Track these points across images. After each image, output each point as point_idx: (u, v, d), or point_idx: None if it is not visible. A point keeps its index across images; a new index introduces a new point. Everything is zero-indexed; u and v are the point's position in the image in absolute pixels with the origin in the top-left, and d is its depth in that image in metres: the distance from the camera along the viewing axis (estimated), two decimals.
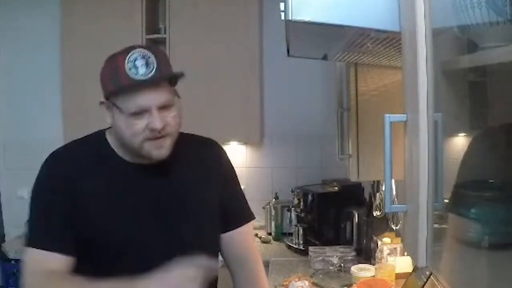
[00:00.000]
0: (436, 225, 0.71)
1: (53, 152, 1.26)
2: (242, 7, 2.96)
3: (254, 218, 1.43)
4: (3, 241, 3.22)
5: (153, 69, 1.11)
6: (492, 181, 0.80)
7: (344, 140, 2.09)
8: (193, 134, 1.38)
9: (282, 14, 0.88)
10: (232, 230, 1.37)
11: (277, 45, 2.56)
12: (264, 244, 2.90)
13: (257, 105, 3.03)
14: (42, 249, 1.15)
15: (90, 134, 1.29)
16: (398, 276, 1.98)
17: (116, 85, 1.12)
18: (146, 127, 1.13)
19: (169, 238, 1.23)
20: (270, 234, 3.05)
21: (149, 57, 1.12)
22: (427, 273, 1.49)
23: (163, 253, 1.17)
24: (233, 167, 1.42)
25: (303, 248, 2.68)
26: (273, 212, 3.04)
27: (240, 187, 1.43)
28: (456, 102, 0.82)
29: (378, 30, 0.85)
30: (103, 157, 1.24)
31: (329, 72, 2.84)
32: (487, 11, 0.66)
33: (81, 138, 1.29)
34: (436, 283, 1.36)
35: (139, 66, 1.10)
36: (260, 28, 3.07)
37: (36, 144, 3.36)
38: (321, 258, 2.41)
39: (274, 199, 3.09)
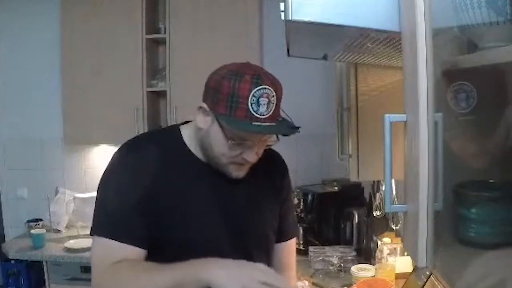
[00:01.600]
0: (436, 225, 0.71)
1: (127, 142, 1.24)
2: (242, 7, 2.96)
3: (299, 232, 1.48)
4: (3, 241, 3.22)
5: (271, 110, 1.10)
6: (492, 181, 0.80)
7: (344, 140, 2.09)
8: None
9: (282, 14, 0.88)
10: (282, 242, 1.40)
11: (277, 45, 2.56)
12: None
13: None
14: (113, 239, 1.12)
15: (164, 128, 1.29)
16: (398, 276, 1.98)
17: (231, 113, 1.08)
18: (240, 154, 1.15)
19: (233, 240, 1.23)
20: None
21: (273, 96, 1.09)
22: (427, 273, 1.49)
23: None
24: (291, 182, 1.45)
25: (303, 248, 2.67)
26: None
27: (293, 201, 1.45)
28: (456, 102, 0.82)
29: (378, 30, 0.85)
30: (176, 153, 1.22)
31: (329, 72, 2.85)
32: (487, 11, 0.66)
33: (154, 130, 1.29)
34: (436, 283, 1.36)
35: (261, 104, 1.08)
36: (260, 28, 3.07)
37: (36, 144, 3.37)
38: (321, 258, 2.41)
39: None
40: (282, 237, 1.39)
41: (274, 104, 1.10)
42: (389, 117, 0.78)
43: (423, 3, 0.70)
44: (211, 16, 2.97)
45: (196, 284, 1.03)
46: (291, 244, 1.44)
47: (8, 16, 3.33)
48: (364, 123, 1.80)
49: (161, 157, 1.20)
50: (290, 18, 0.82)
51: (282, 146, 1.44)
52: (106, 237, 1.13)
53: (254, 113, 1.08)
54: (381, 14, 0.82)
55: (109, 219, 1.16)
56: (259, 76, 1.09)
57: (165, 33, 3.04)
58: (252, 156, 1.15)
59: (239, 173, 1.19)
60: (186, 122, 1.29)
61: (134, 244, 1.13)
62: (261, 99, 1.08)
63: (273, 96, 1.10)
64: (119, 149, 1.23)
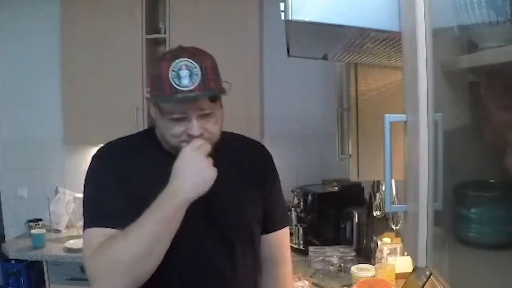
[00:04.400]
0: (436, 225, 0.71)
1: (103, 145, 1.31)
2: (242, 7, 2.96)
3: (291, 222, 1.49)
4: (3, 241, 3.21)
5: (196, 81, 1.12)
6: (492, 181, 0.80)
7: (344, 140, 2.09)
8: (240, 135, 1.41)
9: (282, 14, 0.88)
10: (271, 232, 1.40)
11: (277, 45, 2.56)
12: None
13: (257, 105, 3.03)
14: (99, 226, 1.15)
15: (142, 130, 1.42)
16: (398, 276, 1.98)
17: (159, 92, 1.14)
18: (184, 131, 1.17)
19: (212, 228, 1.26)
20: None
21: (194, 67, 1.12)
22: (427, 273, 1.49)
23: (204, 249, 1.24)
24: (277, 171, 1.44)
25: (303, 248, 2.67)
26: None
27: (281, 191, 1.46)
28: (456, 102, 0.82)
29: (378, 30, 0.85)
30: (150, 149, 1.27)
31: (329, 72, 2.84)
32: (487, 11, 0.66)
33: (132, 134, 1.37)
34: (436, 283, 1.35)
35: (182, 77, 1.11)
36: (260, 28, 3.07)
37: (36, 144, 3.37)
38: (321, 258, 2.41)
39: None
40: (270, 227, 1.39)
41: (200, 75, 1.12)
42: (389, 117, 0.78)
43: (423, 3, 0.70)
44: (211, 16, 2.97)
45: (181, 208, 1.11)
46: (282, 236, 1.43)
47: (9, 16, 3.33)
48: (364, 123, 1.79)
49: (136, 155, 1.26)
50: (290, 18, 0.81)
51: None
52: (93, 227, 1.17)
53: (177, 86, 1.11)
54: (381, 14, 0.82)
55: (94, 211, 1.20)
56: (177, 51, 1.15)
57: (165, 33, 3.04)
58: (195, 130, 1.15)
59: None
60: None
61: (119, 228, 1.15)
62: (180, 71, 1.11)
63: (195, 67, 1.12)
64: (97, 151, 1.30)
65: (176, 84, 1.11)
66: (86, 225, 1.19)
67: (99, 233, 1.15)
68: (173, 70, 1.11)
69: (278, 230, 1.41)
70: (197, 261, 1.24)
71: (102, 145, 1.33)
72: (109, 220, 1.16)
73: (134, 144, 1.30)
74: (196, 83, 1.12)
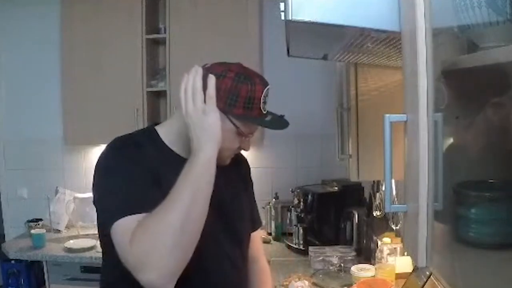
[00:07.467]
0: (436, 225, 0.71)
1: (116, 138, 1.29)
2: (242, 7, 2.96)
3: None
4: (3, 241, 3.22)
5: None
6: (492, 181, 0.80)
7: (344, 140, 2.10)
8: None
9: (282, 14, 0.88)
10: (252, 232, 1.51)
11: (277, 45, 2.56)
12: (264, 244, 2.88)
13: None
14: (131, 214, 1.10)
15: (140, 129, 1.40)
16: (398, 276, 1.98)
17: (248, 113, 1.21)
18: (238, 147, 1.29)
19: (225, 227, 1.33)
20: (270, 234, 3.06)
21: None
22: (427, 273, 1.49)
23: (223, 248, 1.33)
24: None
25: (303, 248, 2.68)
26: (273, 212, 3.04)
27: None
28: (456, 102, 0.82)
29: (378, 30, 0.85)
30: (158, 151, 1.28)
31: (329, 72, 2.84)
32: (487, 11, 0.67)
33: (131, 132, 1.34)
34: (436, 283, 1.36)
35: (266, 102, 1.24)
36: (260, 28, 3.07)
37: (36, 144, 3.37)
38: (321, 258, 2.41)
39: (274, 199, 3.09)
40: (252, 227, 1.51)
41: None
42: (389, 117, 0.78)
43: (423, 3, 0.70)
44: (211, 16, 2.97)
45: (209, 163, 1.14)
46: (259, 234, 1.60)
47: (9, 16, 3.33)
48: (364, 123, 1.80)
49: (148, 153, 1.25)
50: (290, 18, 0.82)
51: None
52: (125, 216, 1.10)
53: (263, 110, 1.23)
54: (381, 14, 0.82)
55: (123, 200, 1.14)
56: (261, 77, 1.25)
57: (165, 33, 3.04)
58: (248, 147, 1.30)
59: (227, 162, 1.32)
60: (156, 123, 1.35)
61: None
62: (267, 97, 1.24)
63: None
64: (111, 143, 1.26)
65: (262, 108, 1.23)
66: (114, 218, 1.11)
67: (133, 220, 1.09)
68: (264, 96, 1.22)
69: (257, 229, 1.54)
70: (218, 258, 1.32)
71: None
72: (142, 205, 1.11)
73: (141, 141, 1.29)
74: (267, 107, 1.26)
